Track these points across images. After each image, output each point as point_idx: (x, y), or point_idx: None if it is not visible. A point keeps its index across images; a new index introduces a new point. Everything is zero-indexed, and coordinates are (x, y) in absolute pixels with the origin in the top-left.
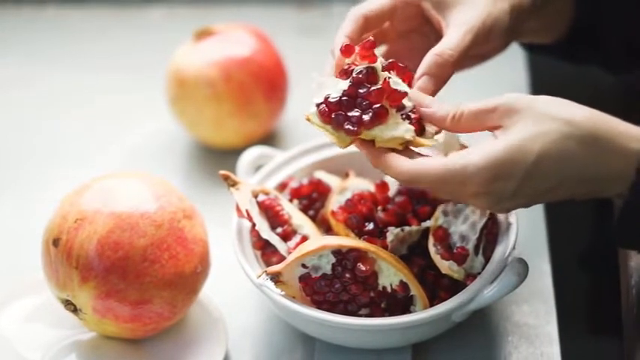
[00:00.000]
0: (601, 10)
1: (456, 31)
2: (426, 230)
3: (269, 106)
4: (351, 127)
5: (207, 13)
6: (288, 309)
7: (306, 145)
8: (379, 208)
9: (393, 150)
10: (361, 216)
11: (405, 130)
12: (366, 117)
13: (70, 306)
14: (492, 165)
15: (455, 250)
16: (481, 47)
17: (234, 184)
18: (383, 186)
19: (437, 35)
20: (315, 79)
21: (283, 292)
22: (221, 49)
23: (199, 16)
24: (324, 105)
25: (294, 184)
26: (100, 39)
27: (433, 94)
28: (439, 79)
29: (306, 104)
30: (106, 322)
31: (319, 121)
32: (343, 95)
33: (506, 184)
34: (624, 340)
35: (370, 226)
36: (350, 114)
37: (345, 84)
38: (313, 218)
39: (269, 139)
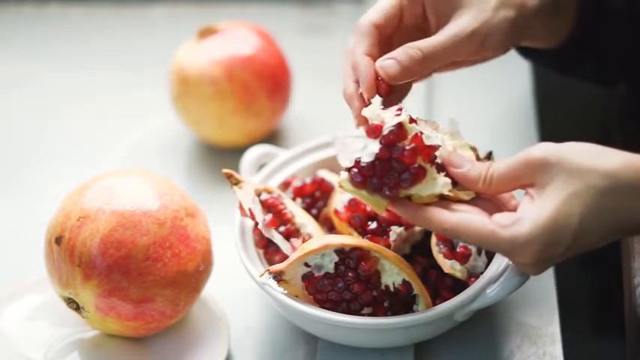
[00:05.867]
0: (602, 19)
1: (443, 33)
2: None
3: (272, 104)
4: (388, 192)
5: (209, 11)
6: (291, 308)
7: (310, 144)
8: None
9: (429, 203)
10: (364, 215)
11: (442, 184)
12: (403, 180)
13: (73, 304)
14: (540, 237)
15: (458, 250)
16: (478, 54)
17: (237, 182)
18: None
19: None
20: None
21: (286, 291)
22: (224, 47)
23: (202, 14)
24: (356, 170)
25: (297, 183)
26: (103, 37)
27: (395, 78)
28: (406, 68)
29: (309, 103)
30: (108, 320)
31: (352, 187)
32: (376, 159)
33: (554, 250)
34: (627, 340)
35: (373, 225)
36: (386, 179)
37: (375, 145)
38: (316, 217)
39: (272, 137)
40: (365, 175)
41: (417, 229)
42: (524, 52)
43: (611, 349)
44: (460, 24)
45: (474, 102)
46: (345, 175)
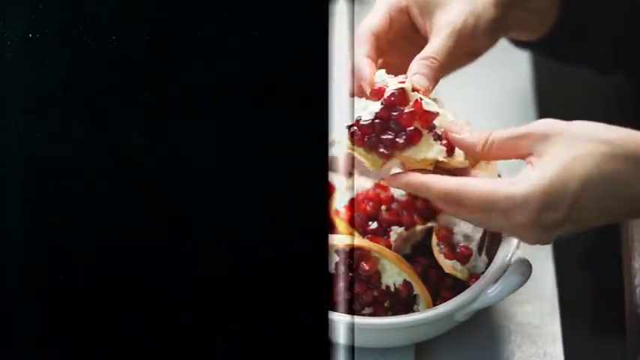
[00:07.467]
0: (587, 6)
1: (439, 35)
2: (430, 229)
3: None
4: (384, 150)
5: None
6: None
7: None
8: (383, 207)
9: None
10: (365, 215)
11: (437, 151)
12: (399, 140)
13: None
14: (539, 196)
15: (458, 250)
16: (469, 45)
17: None
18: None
19: (426, 42)
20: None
21: None
22: None
23: None
24: (355, 128)
25: None
26: None
27: (429, 90)
28: (432, 78)
29: None
30: None
31: (350, 144)
32: (375, 118)
33: (554, 214)
34: (627, 340)
35: (374, 225)
36: (383, 137)
37: (376, 106)
38: None
39: None
40: (363, 133)
41: (418, 229)
42: (516, 41)
43: (611, 349)
44: (450, 19)
45: (473, 97)
46: (344, 132)
